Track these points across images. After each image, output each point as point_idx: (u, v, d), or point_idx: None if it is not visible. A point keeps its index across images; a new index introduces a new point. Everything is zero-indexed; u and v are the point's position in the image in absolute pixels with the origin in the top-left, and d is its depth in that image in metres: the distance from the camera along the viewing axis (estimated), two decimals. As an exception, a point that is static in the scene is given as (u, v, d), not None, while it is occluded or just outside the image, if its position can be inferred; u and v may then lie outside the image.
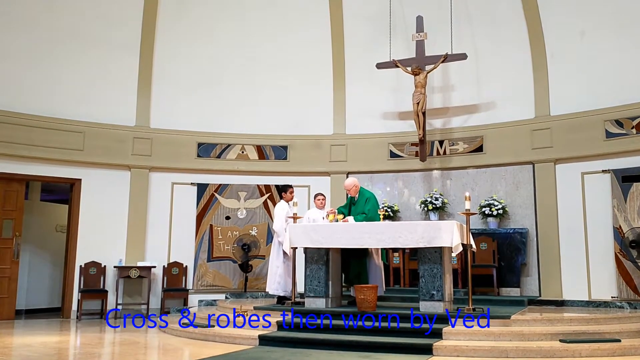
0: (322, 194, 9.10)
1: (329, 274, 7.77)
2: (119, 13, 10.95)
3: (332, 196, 10.99)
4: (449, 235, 7.08)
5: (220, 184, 11.24)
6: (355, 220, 8.21)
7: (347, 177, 11.23)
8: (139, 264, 10.49)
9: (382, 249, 8.36)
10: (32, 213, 11.51)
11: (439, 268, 7.18)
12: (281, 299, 8.47)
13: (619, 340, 6.15)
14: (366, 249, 8.16)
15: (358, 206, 8.56)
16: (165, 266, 10.80)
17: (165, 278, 10.74)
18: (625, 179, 9.38)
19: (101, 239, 10.53)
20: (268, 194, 11.31)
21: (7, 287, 10.02)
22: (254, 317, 7.45)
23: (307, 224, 8.46)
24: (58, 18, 10.52)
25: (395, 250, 9.88)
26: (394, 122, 11.39)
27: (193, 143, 11.26)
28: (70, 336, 8.12)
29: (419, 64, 10.49)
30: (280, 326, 7.13)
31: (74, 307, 10.27)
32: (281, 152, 11.51)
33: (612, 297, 9.17)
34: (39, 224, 11.75)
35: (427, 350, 6.05)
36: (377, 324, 6.87)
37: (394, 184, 11.30)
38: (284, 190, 8.88)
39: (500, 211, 10.17)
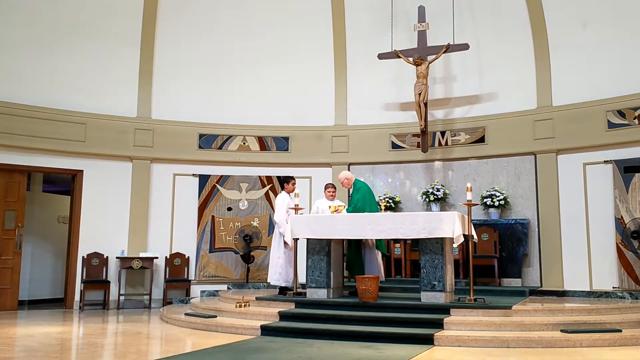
0: (332, 185, 9.08)
1: (331, 264, 7.79)
2: (120, 4, 10.92)
3: (333, 187, 10.99)
4: (450, 226, 7.09)
5: (221, 175, 11.24)
6: (347, 211, 8.23)
7: (349, 168, 11.27)
8: (141, 254, 10.52)
9: (382, 239, 8.37)
10: (34, 204, 11.54)
11: (441, 259, 7.20)
12: (283, 290, 8.49)
13: (619, 331, 6.17)
14: (361, 240, 8.17)
15: (353, 198, 8.57)
16: (168, 257, 10.83)
17: (167, 269, 10.77)
18: (627, 169, 9.37)
19: (103, 230, 10.56)
20: (269, 185, 11.32)
21: (10, 278, 10.05)
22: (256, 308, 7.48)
23: (308, 215, 8.49)
24: (59, 9, 10.50)
25: (396, 241, 9.89)
26: (395, 113, 11.37)
27: (194, 134, 11.26)
28: (73, 326, 8.15)
29: (420, 55, 10.46)
30: (282, 317, 7.16)
31: (77, 297, 10.31)
32: (283, 143, 11.50)
33: (613, 288, 9.19)
34: (41, 215, 11.78)
35: (429, 340, 6.07)
36: (378, 314, 6.90)
37: (396, 175, 11.30)
38: (286, 182, 8.87)
39: (502, 202, 10.17)
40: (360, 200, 8.36)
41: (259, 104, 11.48)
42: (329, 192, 8.95)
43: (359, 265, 8.24)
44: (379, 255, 8.44)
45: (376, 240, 8.29)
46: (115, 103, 10.89)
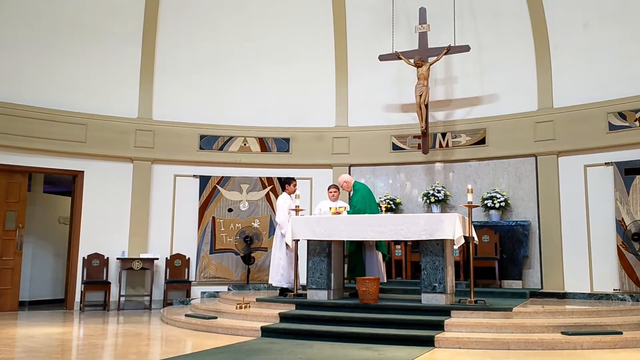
0: (335, 186, 9.05)
1: (331, 266, 7.78)
2: (120, 4, 10.94)
3: (334, 189, 10.97)
4: (451, 227, 7.08)
5: (222, 176, 11.24)
6: (348, 213, 8.23)
7: (349, 169, 11.27)
8: (142, 255, 10.51)
9: (383, 240, 8.36)
10: (35, 205, 11.54)
11: (441, 260, 7.19)
12: (283, 291, 8.49)
13: (620, 333, 6.17)
14: (361, 241, 8.17)
15: (352, 200, 8.57)
16: (168, 258, 10.82)
17: (167, 270, 10.77)
18: (628, 171, 9.36)
19: (104, 231, 10.55)
20: (270, 187, 11.32)
21: (11, 279, 10.05)
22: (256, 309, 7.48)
23: (308, 216, 8.48)
24: (59, 9, 10.51)
25: (397, 242, 9.89)
26: (396, 115, 11.37)
27: (195, 135, 11.26)
28: (74, 327, 8.16)
29: (421, 56, 10.46)
30: (283, 318, 7.15)
31: (77, 298, 10.31)
32: (283, 144, 11.50)
33: (614, 290, 9.17)
34: (42, 215, 11.78)
35: (429, 341, 6.07)
36: (379, 315, 6.90)
37: (396, 176, 11.29)
38: (287, 183, 8.88)
39: (503, 204, 10.17)
40: (360, 201, 8.35)
41: (259, 105, 11.48)
42: (331, 192, 8.93)
43: (360, 267, 8.24)
44: (380, 256, 8.43)
45: (377, 241, 8.29)
46: (116, 104, 10.89)
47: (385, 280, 8.52)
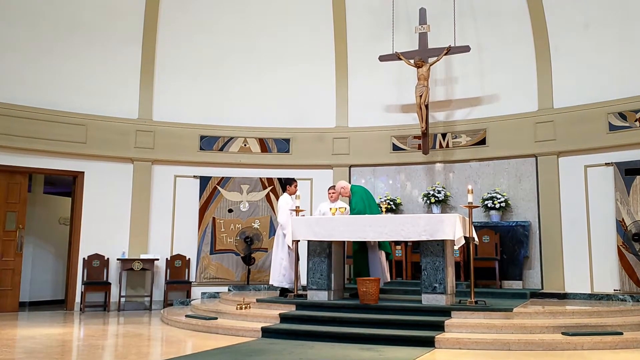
0: (334, 187, 9.06)
1: (331, 266, 7.78)
2: (121, 5, 10.94)
3: (334, 189, 10.96)
4: (451, 228, 7.08)
5: (222, 177, 11.24)
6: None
7: (349, 170, 11.28)
8: (142, 256, 10.51)
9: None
10: (36, 205, 11.54)
11: (442, 261, 7.19)
12: (284, 291, 8.49)
13: (621, 333, 6.16)
14: (365, 243, 8.16)
15: (351, 203, 8.57)
16: (168, 259, 10.82)
17: (168, 271, 10.77)
18: (629, 172, 9.35)
19: (104, 231, 10.55)
20: (270, 187, 11.32)
21: (11, 280, 10.05)
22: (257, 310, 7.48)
23: (309, 217, 8.48)
24: (60, 10, 10.51)
25: (397, 243, 9.88)
26: (396, 115, 11.36)
27: (196, 136, 11.26)
28: (74, 328, 8.16)
29: (422, 57, 10.47)
30: (283, 319, 7.15)
31: (78, 299, 10.31)
32: (284, 145, 11.50)
33: (614, 290, 9.17)
34: (43, 216, 11.78)
35: (430, 342, 6.07)
36: (379, 316, 6.90)
37: (397, 177, 11.29)
38: (288, 184, 8.89)
39: (503, 204, 10.16)
40: (359, 202, 8.35)
41: (260, 105, 11.48)
42: (330, 194, 8.94)
43: (365, 270, 8.20)
44: (383, 255, 8.42)
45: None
46: (116, 104, 10.89)
47: (389, 280, 8.50)
